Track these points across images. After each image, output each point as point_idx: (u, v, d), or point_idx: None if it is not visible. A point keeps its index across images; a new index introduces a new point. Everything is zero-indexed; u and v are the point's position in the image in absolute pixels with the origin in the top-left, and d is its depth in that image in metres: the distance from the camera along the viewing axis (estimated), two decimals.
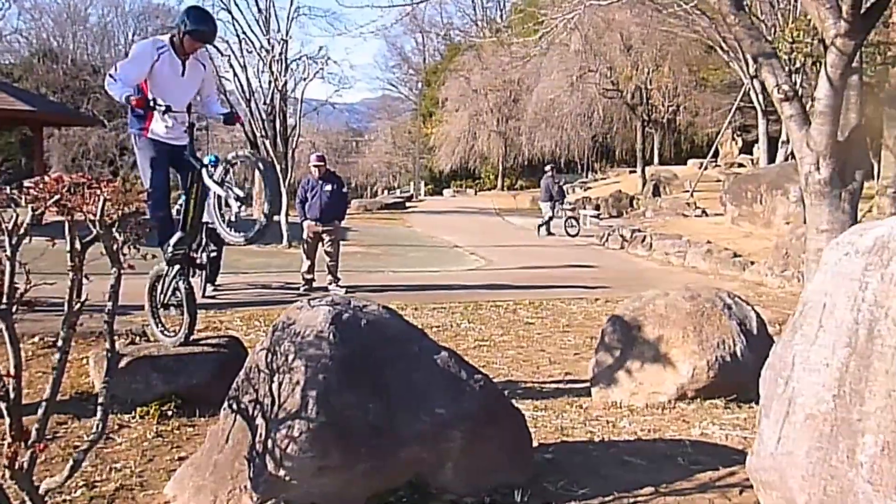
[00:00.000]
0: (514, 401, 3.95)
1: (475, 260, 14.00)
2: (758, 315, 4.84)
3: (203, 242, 7.64)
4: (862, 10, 5.36)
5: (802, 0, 6.38)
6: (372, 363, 3.13)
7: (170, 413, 4.05)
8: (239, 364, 3.35)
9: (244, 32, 16.38)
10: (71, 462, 2.50)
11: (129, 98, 4.06)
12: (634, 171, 30.21)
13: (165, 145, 4.34)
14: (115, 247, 2.54)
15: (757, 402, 2.83)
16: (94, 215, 2.48)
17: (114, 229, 2.56)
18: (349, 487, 2.91)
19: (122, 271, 2.56)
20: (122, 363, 4.06)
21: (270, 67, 16.11)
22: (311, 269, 9.24)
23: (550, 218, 18.42)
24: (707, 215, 18.71)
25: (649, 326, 4.69)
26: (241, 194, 4.13)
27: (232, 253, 9.22)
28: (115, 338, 2.68)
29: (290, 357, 3.04)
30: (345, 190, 9.75)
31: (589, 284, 10.00)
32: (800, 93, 12.31)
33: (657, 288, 5.24)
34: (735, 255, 12.29)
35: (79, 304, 2.45)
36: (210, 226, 4.67)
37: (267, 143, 16.00)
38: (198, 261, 4.83)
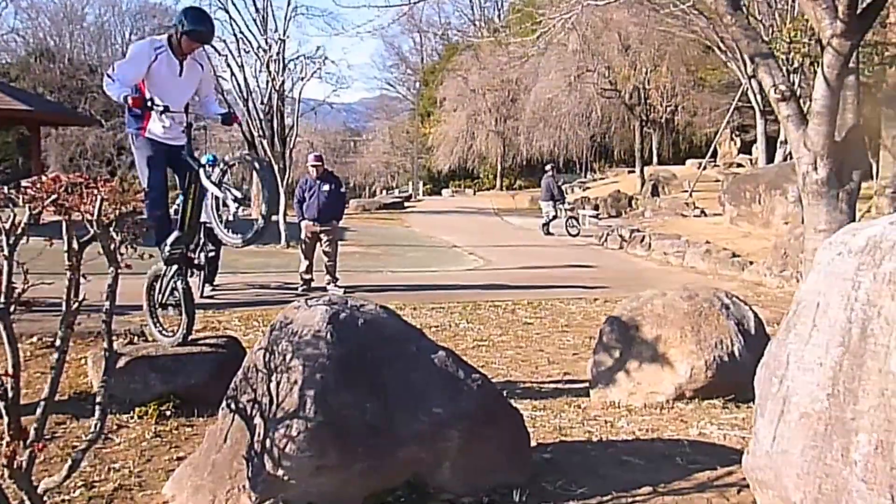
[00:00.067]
0: (512, 401, 3.95)
1: (474, 260, 14.00)
2: (756, 315, 4.85)
3: (201, 242, 7.64)
4: (858, 11, 5.38)
5: (799, 0, 6.39)
6: (369, 363, 3.13)
7: (168, 413, 4.05)
8: (237, 364, 3.35)
9: (241, 32, 16.37)
10: (69, 462, 2.50)
11: (126, 98, 4.06)
12: (633, 171, 30.23)
13: (163, 145, 4.34)
14: (112, 246, 2.54)
15: (755, 402, 2.83)
16: (92, 215, 2.48)
17: (111, 229, 2.56)
18: (347, 487, 2.91)
19: (119, 271, 2.56)
20: (121, 363, 4.06)
21: (268, 67, 16.08)
22: (309, 270, 9.23)
23: (554, 217, 18.42)
24: (706, 215, 18.72)
25: (647, 326, 4.69)
26: (239, 195, 4.12)
27: (230, 253, 9.20)
28: (114, 338, 2.68)
29: (288, 357, 3.04)
30: (343, 190, 9.75)
31: (588, 284, 10.01)
32: (798, 93, 12.32)
33: (656, 288, 5.24)
34: (734, 256, 12.30)
35: (77, 304, 2.44)
36: (208, 226, 4.66)
37: (264, 142, 15.98)
38: (196, 261, 4.83)
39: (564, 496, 3.08)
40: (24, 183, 2.57)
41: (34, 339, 5.01)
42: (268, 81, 16.33)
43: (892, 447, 2.07)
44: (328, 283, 9.11)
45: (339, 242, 10.01)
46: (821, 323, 2.38)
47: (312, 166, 9.36)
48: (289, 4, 16.68)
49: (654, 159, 34.24)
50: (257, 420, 2.98)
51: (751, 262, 11.68)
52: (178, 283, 4.41)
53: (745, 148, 30.54)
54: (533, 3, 21.96)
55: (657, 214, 20.20)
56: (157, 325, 4.59)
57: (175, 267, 4.44)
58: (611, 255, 14.91)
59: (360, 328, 3.20)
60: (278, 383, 3.00)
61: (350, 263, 11.54)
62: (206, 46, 4.67)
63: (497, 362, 5.71)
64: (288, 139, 16.56)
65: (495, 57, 33.06)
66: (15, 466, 2.32)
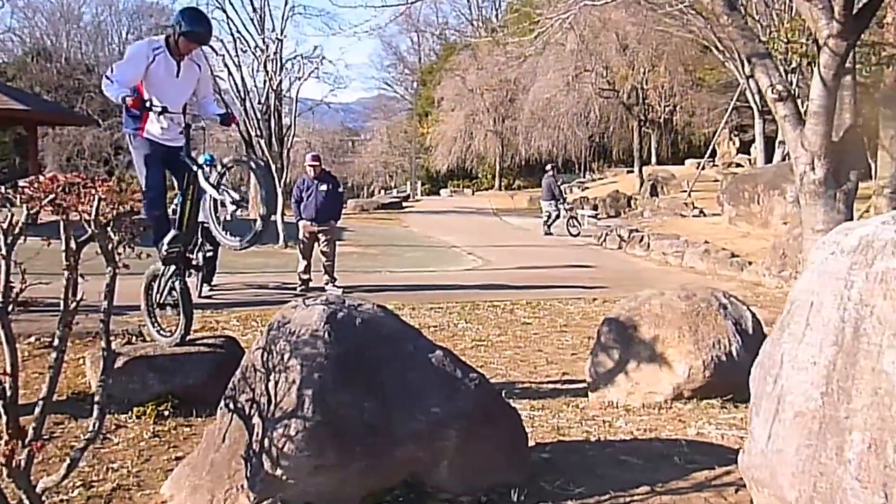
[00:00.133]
0: (511, 400, 3.96)
1: (472, 260, 14.00)
2: (753, 315, 4.85)
3: (199, 243, 7.63)
4: (854, 11, 5.39)
5: (796, 0, 6.40)
6: (367, 362, 3.13)
7: (166, 413, 4.05)
8: (235, 364, 3.35)
9: (239, 31, 16.35)
10: (68, 461, 2.50)
11: (125, 99, 4.06)
12: (632, 171, 30.26)
13: (161, 146, 4.34)
14: (110, 246, 2.54)
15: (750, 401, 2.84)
16: (89, 215, 2.48)
17: (109, 229, 2.56)
18: (345, 486, 2.92)
19: (117, 270, 2.56)
20: (119, 363, 4.05)
21: (265, 67, 16.07)
22: (307, 270, 9.23)
23: (557, 216, 18.43)
24: (705, 215, 18.73)
25: (645, 326, 4.70)
26: (237, 198, 4.12)
27: (228, 253, 9.19)
28: (112, 337, 2.68)
29: (286, 356, 3.04)
30: (340, 190, 9.75)
31: (587, 284, 10.01)
32: (797, 93, 12.32)
33: (655, 288, 5.25)
34: (733, 256, 12.30)
35: (74, 304, 2.44)
36: (205, 226, 4.67)
37: (262, 142, 15.96)
38: (194, 261, 4.83)
39: (562, 496, 3.08)
40: (21, 183, 2.57)
41: (32, 339, 5.00)
42: (265, 81, 16.32)
43: (885, 445, 2.08)
44: (326, 284, 9.11)
45: (338, 242, 10.01)
46: (814, 322, 2.39)
47: (310, 166, 9.36)
48: (286, 4, 16.74)
49: (653, 159, 34.27)
50: (255, 420, 2.98)
51: (749, 263, 11.68)
52: (176, 283, 4.41)
53: (744, 148, 30.55)
54: (530, 2, 21.95)
55: (656, 214, 20.21)
56: (156, 325, 4.59)
57: (173, 267, 4.44)
58: (610, 255, 14.92)
59: (357, 328, 3.20)
60: (276, 383, 3.00)
61: (348, 264, 11.54)
62: (204, 47, 4.66)
63: (495, 362, 5.71)
64: (285, 139, 16.55)
65: (493, 57, 33.08)
66: (13, 465, 2.32)
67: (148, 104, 4.12)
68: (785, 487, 2.37)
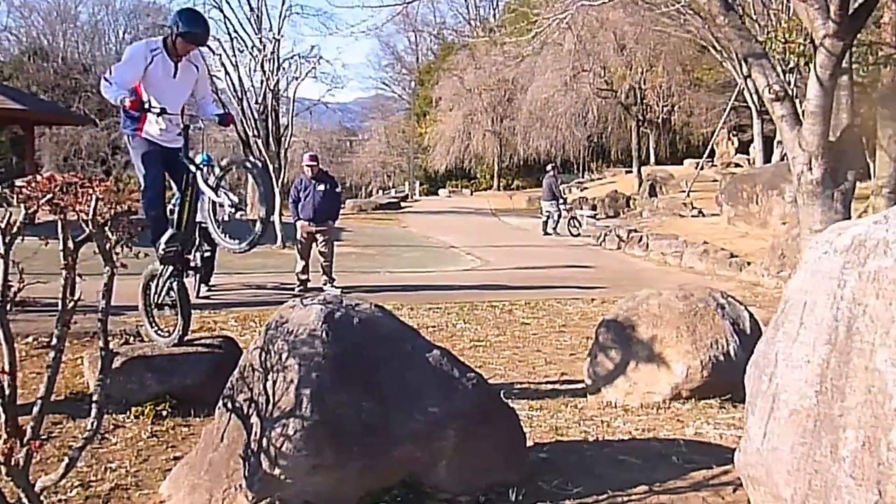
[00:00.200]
0: (509, 401, 3.96)
1: (471, 260, 13.99)
2: (751, 315, 4.86)
3: (196, 243, 7.62)
4: (850, 11, 5.40)
5: (792, 0, 6.41)
6: (364, 362, 3.13)
7: (164, 413, 4.05)
8: (233, 364, 3.35)
9: (236, 31, 16.30)
10: (66, 460, 2.50)
11: (123, 101, 4.06)
12: (630, 171, 30.26)
13: (159, 146, 4.34)
14: (107, 246, 2.54)
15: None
16: (87, 214, 2.47)
17: (106, 228, 2.56)
18: (343, 486, 2.92)
19: (115, 270, 2.56)
20: (117, 363, 4.05)
21: (262, 66, 16.04)
22: (305, 270, 9.22)
23: (559, 216, 18.44)
24: (703, 215, 18.73)
25: (643, 326, 4.70)
26: (236, 200, 4.12)
27: (226, 253, 9.16)
28: (110, 337, 2.68)
29: (284, 356, 3.04)
30: (338, 190, 9.74)
31: (585, 285, 10.01)
32: (795, 93, 12.31)
33: (654, 288, 5.25)
34: (732, 256, 12.29)
35: (72, 303, 2.44)
36: (203, 226, 4.67)
37: (259, 142, 15.93)
38: (191, 262, 4.82)
39: (561, 495, 3.08)
40: (18, 182, 2.56)
41: (30, 339, 4.99)
42: (262, 81, 16.29)
43: (878, 443, 2.09)
44: (325, 284, 9.10)
45: (336, 243, 10.00)
46: (808, 321, 2.41)
47: (307, 166, 9.35)
48: (283, 3, 16.69)
49: (652, 159, 34.26)
50: (254, 419, 2.98)
51: (748, 263, 11.68)
52: (174, 283, 4.41)
53: (743, 148, 30.58)
54: (528, 2, 21.94)
55: (655, 214, 20.21)
56: (153, 325, 4.58)
57: (171, 267, 4.43)
58: (608, 255, 14.93)
59: (355, 327, 3.20)
60: (274, 382, 3.00)
61: (346, 264, 11.53)
62: (201, 47, 4.66)
63: (494, 363, 5.71)
64: (283, 139, 16.53)
65: (491, 56, 33.09)
66: (12, 464, 2.32)
67: (146, 105, 4.11)
68: (780, 485, 2.38)
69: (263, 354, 3.11)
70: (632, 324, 4.75)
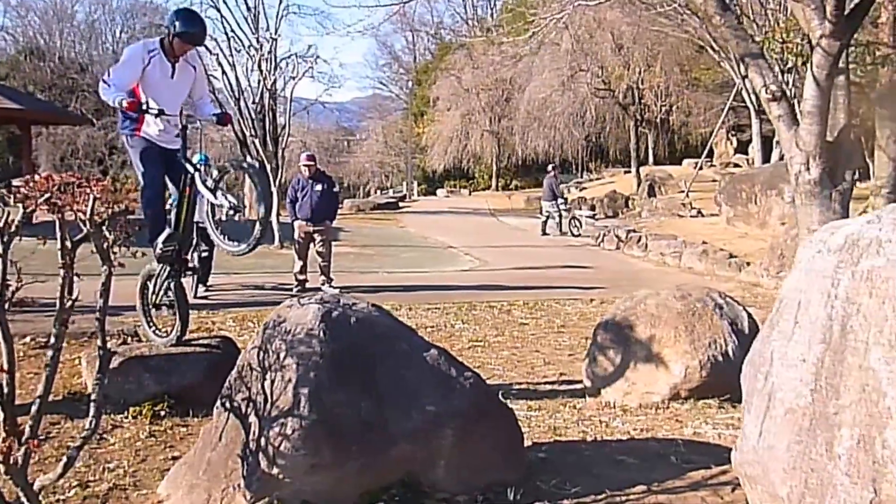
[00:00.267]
0: (508, 401, 3.97)
1: (469, 260, 13.99)
2: (749, 315, 4.86)
3: (194, 243, 7.60)
4: (846, 12, 5.41)
5: (789, 0, 6.42)
6: (362, 361, 3.14)
7: (162, 413, 4.04)
8: (231, 364, 3.35)
9: (233, 31, 16.26)
10: (65, 459, 2.49)
11: (121, 102, 4.05)
12: (629, 171, 30.26)
13: (158, 146, 4.33)
14: (105, 245, 2.54)
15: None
16: (85, 214, 2.47)
17: (104, 228, 2.55)
18: (341, 485, 2.92)
19: (112, 269, 2.55)
20: (114, 363, 4.04)
21: (259, 66, 16.01)
22: (303, 270, 9.22)
23: (560, 217, 18.45)
24: (702, 216, 18.73)
25: (641, 326, 4.71)
26: (234, 202, 4.11)
27: (223, 254, 9.17)
28: (107, 337, 2.67)
29: (282, 355, 3.04)
30: (335, 189, 9.73)
31: (584, 285, 10.00)
32: (793, 92, 12.30)
33: (652, 289, 5.26)
34: (731, 256, 12.28)
35: (70, 302, 2.44)
36: (201, 226, 4.66)
37: (256, 142, 15.91)
38: (189, 262, 4.82)
39: (559, 495, 3.09)
40: (15, 182, 2.56)
41: (27, 339, 4.98)
42: (259, 80, 16.27)
43: (873, 441, 2.10)
44: (323, 284, 9.09)
45: (333, 243, 9.99)
46: (802, 320, 2.42)
47: (305, 166, 9.34)
48: (280, 3, 16.65)
49: (650, 159, 34.27)
50: (252, 419, 2.98)
51: (748, 263, 11.67)
52: (172, 283, 4.40)
53: (742, 148, 30.61)
54: (525, 2, 21.97)
55: (654, 215, 20.22)
56: (151, 325, 4.57)
57: (168, 267, 4.43)
58: (607, 255, 14.93)
59: (352, 326, 3.20)
60: (272, 382, 3.00)
61: (344, 264, 11.53)
62: (198, 47, 4.65)
63: (493, 363, 5.71)
64: (280, 138, 16.50)
65: (488, 56, 33.04)
66: (11, 463, 2.31)
67: (144, 107, 4.11)
68: (777, 483, 2.38)
69: (261, 354, 3.11)
70: (630, 324, 4.76)
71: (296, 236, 9.30)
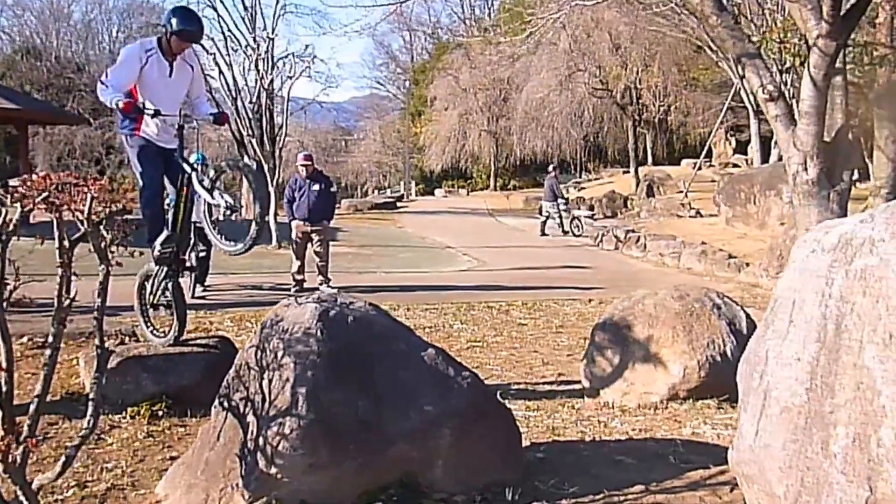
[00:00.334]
0: (506, 401, 3.96)
1: (467, 261, 13.99)
2: (747, 315, 4.87)
3: (192, 243, 7.58)
4: (842, 12, 5.42)
5: (786, 1, 6.43)
6: (359, 360, 3.13)
7: (160, 413, 4.04)
8: (229, 364, 3.35)
9: (230, 30, 16.27)
10: (63, 458, 2.49)
11: (118, 103, 4.05)
12: (628, 172, 30.27)
13: (156, 146, 4.33)
14: (103, 244, 2.53)
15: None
16: (82, 213, 2.47)
17: (101, 227, 2.55)
18: (339, 485, 2.91)
19: (110, 269, 2.55)
20: (112, 363, 4.04)
21: (256, 66, 15.99)
22: (301, 270, 9.21)
23: (561, 218, 18.46)
24: (701, 216, 18.72)
25: (639, 326, 4.71)
26: (232, 202, 4.11)
27: (221, 254, 9.16)
28: (105, 337, 2.67)
29: (280, 354, 3.04)
30: (333, 189, 9.71)
31: (583, 285, 9.99)
32: (791, 92, 12.28)
33: (651, 289, 5.25)
34: (730, 257, 12.25)
35: (68, 301, 2.43)
36: (198, 226, 4.65)
37: (254, 142, 15.89)
38: (187, 262, 4.81)
39: (557, 495, 3.09)
40: (12, 182, 2.55)
41: (24, 339, 4.97)
42: (256, 80, 16.25)
43: (868, 440, 2.10)
44: (320, 284, 9.08)
45: (331, 243, 9.98)
46: (797, 319, 2.43)
47: (302, 165, 9.32)
48: (277, 3, 16.62)
49: (649, 159, 34.29)
50: (250, 418, 2.98)
51: (747, 264, 11.65)
52: (170, 283, 4.39)
53: (741, 148, 30.62)
54: (522, 2, 21.92)
55: (652, 215, 20.21)
56: (149, 325, 4.57)
57: (166, 268, 4.42)
58: (606, 255, 14.93)
59: (349, 325, 3.20)
60: (270, 381, 3.00)
61: (342, 264, 11.52)
62: (195, 46, 4.64)
63: (491, 363, 5.71)
64: (277, 138, 16.48)
65: (486, 56, 32.97)
66: (9, 461, 2.31)
67: (141, 108, 4.10)
68: (773, 482, 2.39)
69: (259, 353, 3.11)
70: (628, 324, 4.76)
71: (293, 236, 9.29)
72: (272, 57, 16.37)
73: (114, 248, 2.58)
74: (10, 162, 29.80)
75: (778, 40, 8.48)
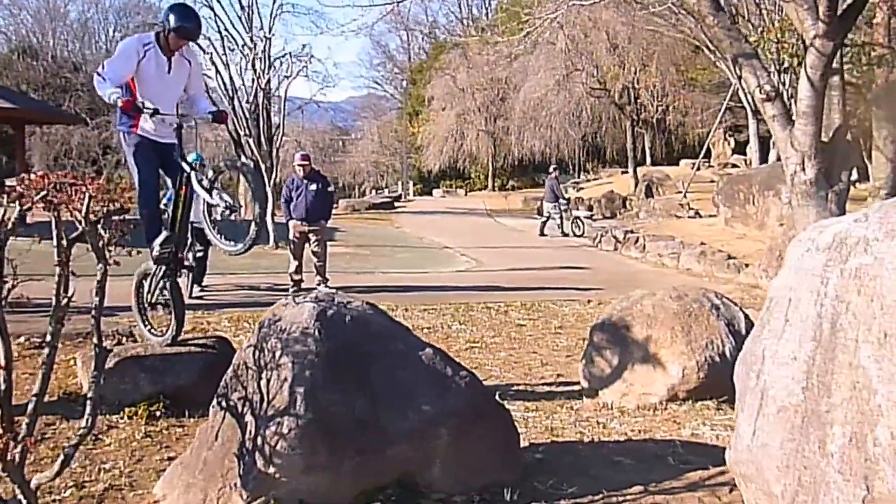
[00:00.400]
0: (505, 402, 3.96)
1: (466, 261, 13.97)
2: (746, 315, 4.86)
3: (189, 242, 7.57)
4: (839, 12, 5.43)
5: (783, 1, 6.44)
6: (357, 359, 3.13)
7: (158, 413, 4.03)
8: (227, 364, 3.34)
9: (227, 29, 16.21)
10: (61, 457, 2.48)
11: (117, 100, 4.03)
12: (626, 172, 30.26)
13: (154, 142, 4.30)
14: (100, 244, 2.53)
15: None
16: (80, 212, 2.46)
17: (99, 226, 2.54)
18: (337, 485, 2.91)
19: (108, 268, 2.54)
20: (110, 363, 4.02)
21: (253, 65, 15.96)
22: (298, 270, 9.19)
23: (562, 218, 18.46)
24: (700, 216, 18.70)
25: (637, 327, 4.70)
26: (230, 202, 4.10)
27: (219, 254, 9.15)
28: (103, 336, 2.66)
29: (277, 354, 3.03)
30: (330, 189, 9.69)
31: (581, 286, 9.98)
32: (789, 93, 12.28)
33: (649, 290, 5.25)
34: (729, 258, 12.23)
35: (66, 300, 2.43)
36: (196, 226, 4.64)
37: (251, 142, 15.85)
38: (185, 262, 4.80)
39: (555, 495, 3.08)
40: (9, 182, 2.54)
41: (21, 339, 4.96)
42: (253, 80, 16.22)
43: (865, 439, 2.11)
44: (318, 284, 9.07)
45: (329, 243, 9.97)
46: (793, 318, 2.43)
47: (299, 165, 9.31)
48: (274, 2, 16.62)
49: (648, 160, 34.29)
50: (248, 418, 2.97)
51: (746, 265, 11.63)
52: (167, 282, 4.38)
53: (740, 148, 30.62)
54: (520, 1, 21.92)
55: (651, 215, 20.20)
56: (147, 324, 4.55)
57: (164, 267, 4.41)
58: (605, 256, 14.92)
59: (347, 325, 3.20)
60: (268, 381, 2.99)
61: (340, 264, 11.50)
62: (192, 43, 4.62)
63: (490, 364, 5.71)
64: (275, 138, 16.45)
65: (483, 56, 32.99)
66: (8, 460, 2.30)
67: (140, 106, 4.08)
68: (771, 482, 2.39)
69: (257, 353, 3.10)
70: (626, 324, 4.76)
71: (291, 236, 9.28)
72: (269, 56, 16.34)
73: (111, 248, 2.57)
74: (7, 162, 29.69)
75: (775, 40, 8.51)
